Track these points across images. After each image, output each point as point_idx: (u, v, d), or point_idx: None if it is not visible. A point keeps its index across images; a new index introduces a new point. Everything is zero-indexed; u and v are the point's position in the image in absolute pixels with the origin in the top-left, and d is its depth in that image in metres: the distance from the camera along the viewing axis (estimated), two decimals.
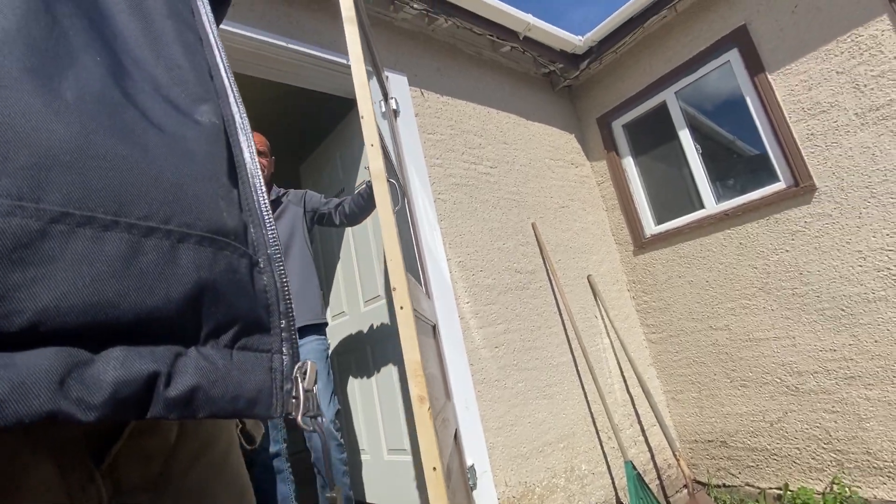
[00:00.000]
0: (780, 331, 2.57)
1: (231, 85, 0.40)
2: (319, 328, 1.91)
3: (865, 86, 2.29)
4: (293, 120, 3.49)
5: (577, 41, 3.17)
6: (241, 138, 0.38)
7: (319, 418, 0.36)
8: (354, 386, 2.52)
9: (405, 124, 2.33)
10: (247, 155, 0.38)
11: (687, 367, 2.98)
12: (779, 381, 2.58)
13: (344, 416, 2.47)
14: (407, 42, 2.59)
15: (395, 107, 2.29)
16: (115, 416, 0.23)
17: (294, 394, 0.33)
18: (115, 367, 0.24)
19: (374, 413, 2.36)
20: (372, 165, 1.26)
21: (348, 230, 2.60)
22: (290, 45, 2.01)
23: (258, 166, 0.37)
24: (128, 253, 0.25)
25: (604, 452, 2.54)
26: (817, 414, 2.45)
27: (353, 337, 2.53)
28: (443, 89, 2.66)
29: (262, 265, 0.35)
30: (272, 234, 0.36)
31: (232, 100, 0.39)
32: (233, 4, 1.85)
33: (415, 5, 2.43)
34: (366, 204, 1.90)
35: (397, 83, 2.40)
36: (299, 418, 0.33)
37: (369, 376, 2.40)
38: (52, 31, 0.28)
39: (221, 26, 1.65)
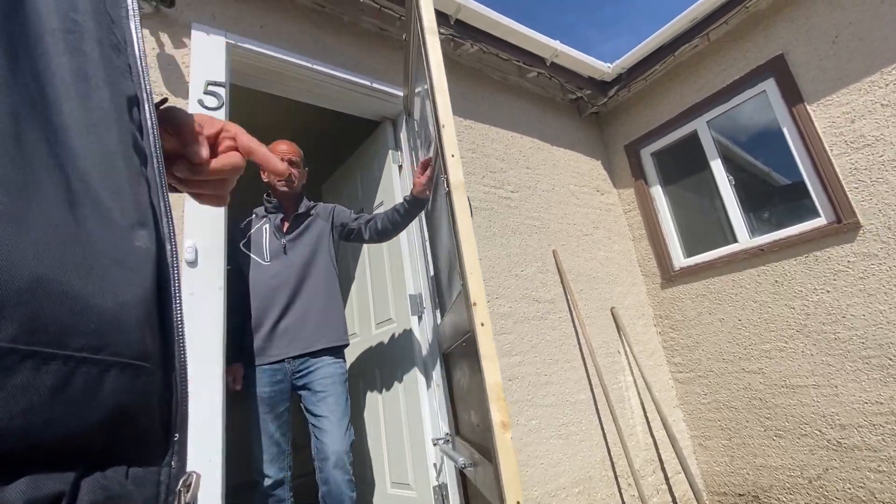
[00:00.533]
0: (820, 378, 2.38)
1: (167, 203, 0.41)
2: (339, 350, 1.82)
3: None
4: (316, 140, 3.53)
5: (605, 68, 3.13)
6: (169, 258, 0.39)
7: None
8: (362, 412, 2.44)
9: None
10: (172, 272, 0.39)
11: (716, 412, 2.79)
12: (819, 433, 2.37)
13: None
14: None
15: (417, 129, 2.27)
16: None
17: None
18: (24, 490, 0.25)
19: (379, 442, 2.27)
20: (453, 176, 1.23)
21: (365, 251, 2.57)
22: (317, 67, 2.03)
23: (180, 284, 0.39)
24: (61, 383, 0.27)
25: (622, 501, 2.36)
26: (861, 473, 2.22)
27: (363, 360, 2.46)
28: (466, 113, 2.64)
29: (170, 381, 0.36)
30: (182, 349, 0.38)
31: (165, 219, 0.40)
32: (262, 27, 1.88)
33: (441, 30, 2.44)
34: (402, 220, 1.83)
35: (415, 105, 2.39)
36: None
37: (376, 404, 2.32)
38: (21, 168, 0.29)
39: (251, 46, 1.71)
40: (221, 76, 1.73)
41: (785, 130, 2.58)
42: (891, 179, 2.21)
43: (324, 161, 3.52)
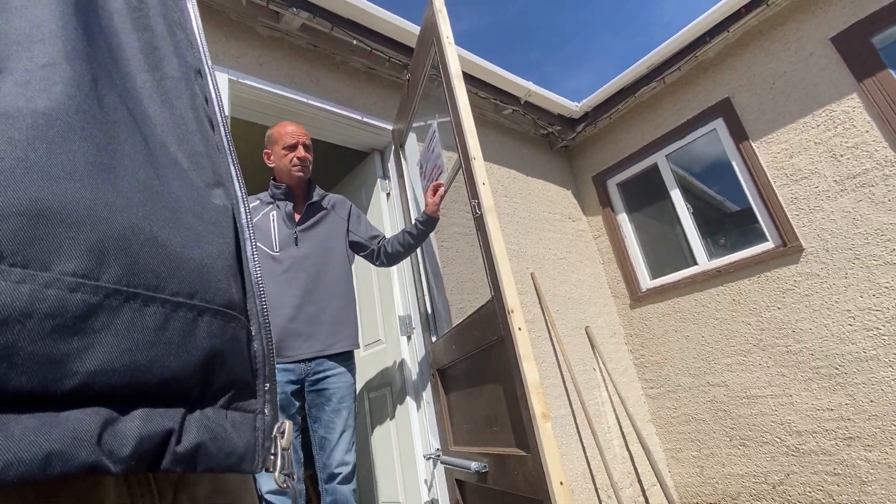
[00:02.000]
0: (776, 388, 2.59)
1: (236, 168, 0.45)
2: (351, 357, 1.73)
3: (842, 155, 2.46)
4: None
5: (573, 106, 3.41)
6: (244, 218, 0.42)
7: (294, 476, 0.38)
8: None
9: (413, 175, 2.46)
10: (247, 233, 0.41)
11: (686, 424, 2.95)
12: (778, 440, 2.56)
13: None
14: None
15: (403, 159, 2.43)
16: (135, 469, 0.26)
17: (273, 451, 0.36)
18: (139, 424, 0.26)
19: (369, 462, 2.30)
20: (485, 202, 1.39)
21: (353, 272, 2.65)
22: (311, 101, 2.17)
23: (254, 241, 0.42)
24: (161, 324, 0.29)
25: None
26: (819, 476, 2.41)
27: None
28: (449, 145, 2.82)
29: (254, 333, 0.38)
30: (264, 304, 0.40)
31: (236, 182, 0.44)
32: (261, 64, 2.01)
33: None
34: (414, 241, 1.81)
35: (408, 139, 2.56)
36: (276, 475, 0.36)
37: (365, 425, 2.37)
38: (106, 126, 0.32)
39: (251, 82, 1.79)
40: (225, 110, 1.84)
41: (734, 164, 2.88)
42: (826, 207, 2.50)
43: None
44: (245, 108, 2.07)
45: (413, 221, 1.87)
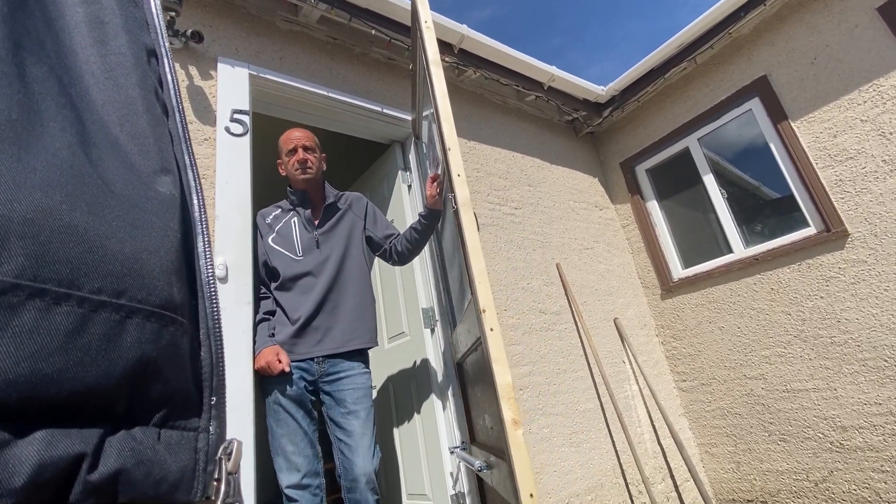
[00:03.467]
0: (819, 381, 2.46)
1: (190, 157, 0.41)
2: (366, 355, 1.71)
3: (892, 133, 2.30)
4: (329, 163, 3.66)
5: (599, 91, 3.29)
6: (197, 211, 0.38)
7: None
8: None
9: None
10: (199, 227, 0.38)
11: (721, 419, 2.85)
12: (822, 436, 2.43)
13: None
14: None
15: (425, 150, 2.40)
16: (32, 502, 0.22)
17: (217, 475, 0.32)
18: (39, 448, 0.22)
19: (394, 454, 2.31)
20: (459, 194, 1.33)
21: (375, 264, 2.65)
22: (331, 94, 2.16)
23: (208, 236, 0.38)
24: (75, 327, 0.24)
25: None
26: (865, 474, 2.28)
27: (376, 374, 2.52)
28: (470, 135, 2.78)
29: (202, 339, 0.34)
30: (215, 306, 0.36)
31: (190, 172, 0.40)
32: (281, 58, 2.02)
33: (446, 59, 2.60)
34: (420, 237, 1.78)
35: (423, 129, 2.53)
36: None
37: (390, 416, 2.37)
38: (23, 97, 0.28)
39: (272, 77, 1.77)
40: (246, 104, 1.85)
41: (772, 146, 2.73)
42: (874, 189, 2.34)
43: (335, 182, 3.64)
44: (266, 103, 2.08)
45: (417, 216, 1.83)
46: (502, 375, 1.17)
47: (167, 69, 0.43)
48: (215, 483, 0.31)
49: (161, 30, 0.44)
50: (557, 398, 2.38)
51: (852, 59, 2.45)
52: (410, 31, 2.05)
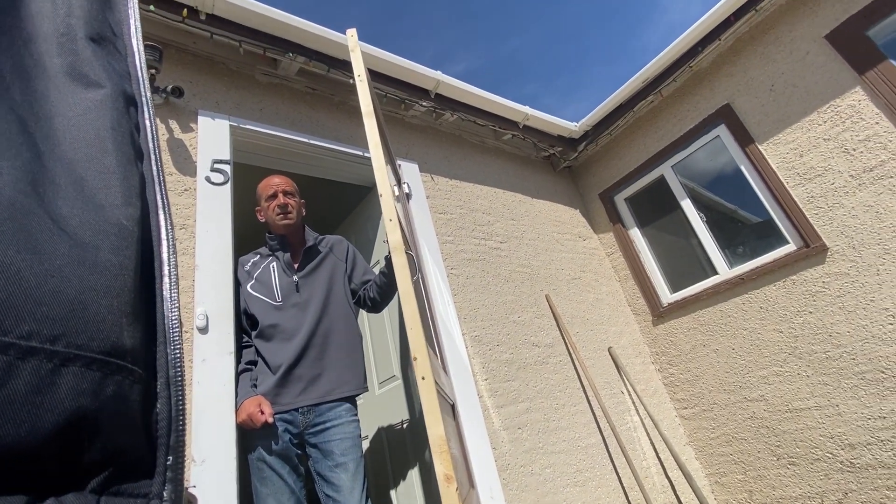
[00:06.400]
0: (820, 398, 2.42)
1: (163, 199, 0.40)
2: (355, 402, 1.63)
3: (854, 149, 2.40)
4: (313, 208, 3.68)
5: (573, 127, 3.42)
6: (164, 248, 0.37)
7: None
8: (366, 477, 2.35)
9: (417, 206, 2.45)
10: (166, 268, 0.36)
11: (727, 445, 2.76)
12: (830, 456, 2.37)
13: None
14: (417, 135, 2.82)
15: (407, 191, 2.43)
16: None
17: None
18: None
19: None
20: (391, 238, 1.32)
21: None
22: (312, 141, 2.20)
23: (177, 279, 0.37)
24: None
25: None
26: (880, 493, 2.20)
27: (367, 422, 2.41)
28: (451, 174, 2.83)
29: (158, 389, 0.31)
30: (177, 353, 0.33)
31: (161, 213, 0.39)
32: (261, 109, 2.06)
33: (423, 104, 2.69)
34: (388, 279, 1.73)
35: (409, 170, 2.57)
36: None
37: (385, 467, 2.25)
38: None
39: (252, 127, 1.80)
40: (226, 154, 1.87)
41: (743, 168, 2.83)
42: (845, 203, 2.41)
43: (320, 226, 3.64)
44: (248, 153, 2.10)
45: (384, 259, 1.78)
46: (433, 427, 1.09)
47: (146, 116, 0.44)
48: None
49: (143, 81, 0.45)
50: (558, 435, 2.29)
51: (808, 84, 2.59)
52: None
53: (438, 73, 2.65)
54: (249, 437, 1.47)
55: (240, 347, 1.62)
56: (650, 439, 2.71)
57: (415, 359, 1.18)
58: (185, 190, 1.72)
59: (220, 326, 1.54)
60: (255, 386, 1.53)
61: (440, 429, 1.10)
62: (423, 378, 1.15)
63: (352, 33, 1.76)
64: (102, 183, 0.35)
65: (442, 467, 1.07)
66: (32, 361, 0.23)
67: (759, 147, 2.75)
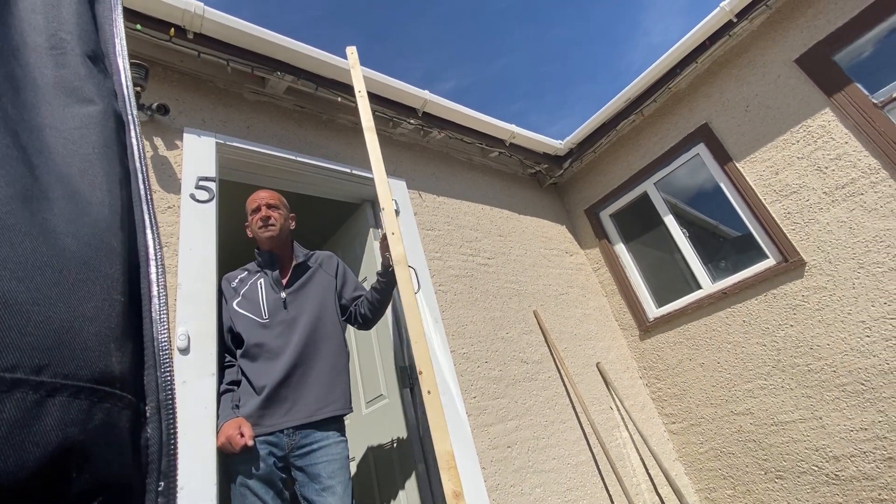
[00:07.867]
0: (804, 411, 2.45)
1: (151, 218, 0.40)
2: (342, 422, 1.59)
3: (827, 167, 2.49)
4: (301, 225, 3.65)
5: (558, 144, 3.48)
6: (152, 268, 0.36)
7: None
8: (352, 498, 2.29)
9: (405, 222, 2.46)
10: (155, 289, 0.35)
11: (715, 460, 2.77)
12: (816, 468, 2.39)
13: None
14: (405, 152, 2.84)
15: (395, 207, 2.43)
16: None
17: None
18: None
19: None
20: (394, 251, 1.32)
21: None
22: (300, 159, 2.20)
23: (166, 299, 0.36)
24: None
25: None
26: None
27: (355, 442, 2.36)
28: (439, 190, 2.85)
29: (148, 414, 0.30)
30: (167, 378, 0.32)
31: (149, 232, 0.39)
32: (249, 127, 2.06)
33: (411, 121, 2.72)
34: (381, 296, 1.72)
35: (397, 187, 2.58)
36: None
37: (372, 489, 2.20)
38: None
39: (239, 144, 1.80)
40: (212, 172, 1.86)
41: (722, 185, 2.91)
42: (820, 219, 2.49)
43: (309, 243, 3.61)
44: (235, 170, 2.09)
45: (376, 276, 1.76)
46: (440, 443, 1.07)
47: (133, 135, 0.44)
48: None
49: (129, 99, 0.45)
50: (547, 453, 2.27)
51: (780, 105, 2.69)
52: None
53: (426, 92, 2.69)
54: (232, 462, 1.42)
55: (221, 367, 1.58)
56: (640, 455, 2.70)
57: (420, 373, 1.16)
58: (169, 207, 1.69)
59: (201, 347, 1.50)
60: (238, 407, 1.48)
61: (448, 444, 1.08)
62: (428, 392, 1.14)
63: (352, 51, 1.78)
64: (95, 199, 0.35)
65: (451, 483, 1.05)
66: (16, 394, 0.22)
67: (737, 165, 2.83)
